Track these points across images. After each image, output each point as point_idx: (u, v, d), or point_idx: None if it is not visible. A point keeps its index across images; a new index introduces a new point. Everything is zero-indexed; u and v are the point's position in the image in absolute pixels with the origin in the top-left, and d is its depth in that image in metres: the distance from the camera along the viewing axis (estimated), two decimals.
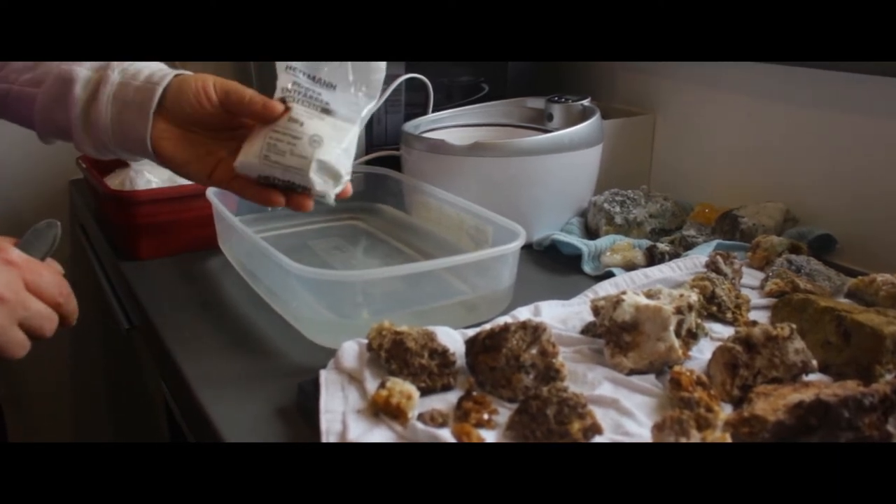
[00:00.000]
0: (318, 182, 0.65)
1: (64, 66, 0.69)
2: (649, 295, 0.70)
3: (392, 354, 0.64)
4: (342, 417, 0.59)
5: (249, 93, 0.66)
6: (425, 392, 0.62)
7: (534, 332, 0.64)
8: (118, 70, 0.69)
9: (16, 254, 0.58)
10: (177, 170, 0.70)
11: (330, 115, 0.67)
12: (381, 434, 0.57)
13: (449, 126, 1.12)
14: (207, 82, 0.68)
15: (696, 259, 0.88)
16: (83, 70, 0.69)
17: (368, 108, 0.68)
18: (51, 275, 0.59)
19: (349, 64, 0.67)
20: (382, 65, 0.68)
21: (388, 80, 1.06)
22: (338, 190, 0.67)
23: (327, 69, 0.67)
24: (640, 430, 0.57)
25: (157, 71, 0.70)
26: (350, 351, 0.67)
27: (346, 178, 0.67)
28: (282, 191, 0.67)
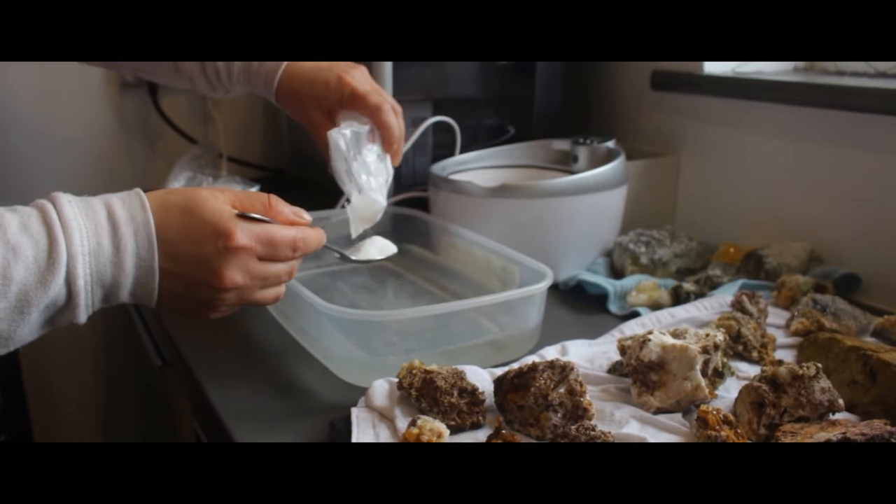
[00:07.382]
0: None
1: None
2: (675, 334, 0.71)
3: (422, 393, 0.65)
4: None
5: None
6: (455, 430, 0.64)
7: (561, 371, 0.65)
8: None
9: (242, 236, 0.57)
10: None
11: None
12: None
13: (475, 168, 1.14)
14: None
15: (722, 298, 0.88)
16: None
17: None
18: (283, 235, 0.60)
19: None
20: None
21: (416, 122, 1.08)
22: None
23: None
24: None
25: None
26: (381, 389, 0.68)
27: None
28: None
